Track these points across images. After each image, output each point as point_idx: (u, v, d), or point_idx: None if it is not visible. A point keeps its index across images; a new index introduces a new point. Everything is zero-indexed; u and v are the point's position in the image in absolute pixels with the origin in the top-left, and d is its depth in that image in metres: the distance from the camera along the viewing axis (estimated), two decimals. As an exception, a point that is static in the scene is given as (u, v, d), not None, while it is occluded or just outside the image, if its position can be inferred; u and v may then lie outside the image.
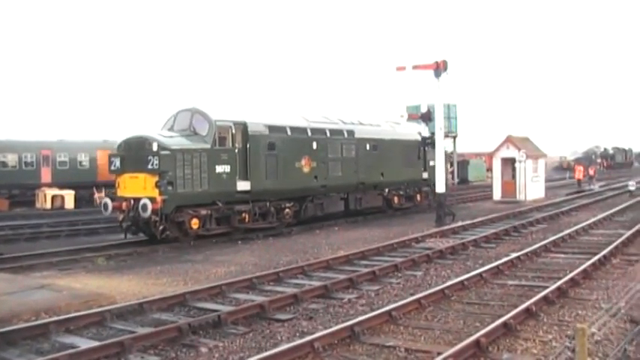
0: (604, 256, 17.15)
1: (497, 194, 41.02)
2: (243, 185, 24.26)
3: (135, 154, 22.51)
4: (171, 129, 23.97)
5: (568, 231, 22.68)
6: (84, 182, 41.43)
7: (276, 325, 11.62)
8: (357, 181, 30.21)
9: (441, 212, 27.86)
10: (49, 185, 41.72)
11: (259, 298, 13.39)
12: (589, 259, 16.59)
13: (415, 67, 27.85)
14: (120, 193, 23.09)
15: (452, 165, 50.32)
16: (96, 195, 41.21)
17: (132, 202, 21.99)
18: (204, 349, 10.17)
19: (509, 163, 40.41)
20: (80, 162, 43.12)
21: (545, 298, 12.50)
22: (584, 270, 15.25)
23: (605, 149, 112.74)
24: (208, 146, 23.06)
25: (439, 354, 9.07)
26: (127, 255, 20.89)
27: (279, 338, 10.71)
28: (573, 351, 7.90)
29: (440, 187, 28.26)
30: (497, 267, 16.20)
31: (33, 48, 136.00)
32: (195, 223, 22.68)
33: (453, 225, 26.00)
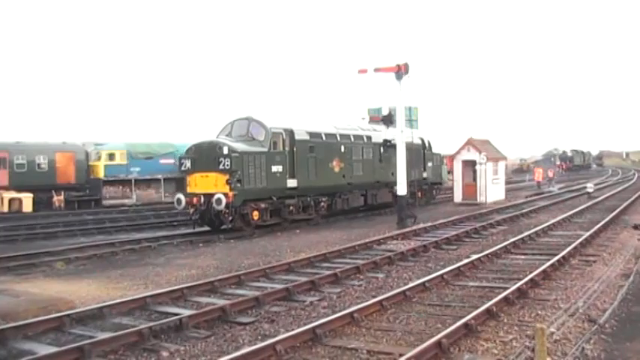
0: (563, 257, 17.34)
1: (458, 196, 41.26)
2: (291, 182, 28.42)
3: (206, 156, 26.14)
4: (229, 135, 27.93)
5: (528, 232, 22.89)
6: (42, 185, 40.93)
7: (238, 328, 11.56)
8: (374, 179, 34.43)
9: (402, 214, 27.95)
10: (6, 188, 40.98)
11: (221, 302, 13.31)
12: (548, 260, 16.75)
13: (377, 70, 27.92)
14: (190, 190, 26.57)
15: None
16: (55, 198, 40.93)
17: (202, 197, 25.59)
18: (165, 354, 10.07)
19: (470, 165, 40.67)
20: (39, 164, 42.50)
21: (505, 298, 12.60)
22: (544, 271, 15.40)
23: (563, 152, 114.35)
24: (266, 150, 27.17)
25: (401, 355, 9.08)
26: (86, 259, 20.65)
27: (241, 341, 10.65)
28: (533, 350, 7.97)
29: (401, 190, 28.33)
30: (458, 268, 16.29)
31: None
32: (256, 215, 26.72)
33: (415, 227, 26.06)
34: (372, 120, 34.58)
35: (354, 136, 33.60)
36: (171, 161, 46.71)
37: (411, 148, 35.40)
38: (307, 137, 29.81)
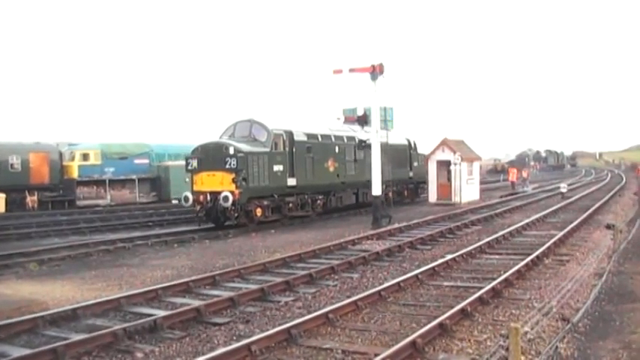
0: (537, 257, 17.47)
1: (432, 196, 41.40)
2: (291, 181, 30.05)
3: (213, 156, 27.59)
4: (232, 136, 29.42)
5: (502, 232, 23.03)
6: (16, 185, 40.43)
7: (213, 329, 11.53)
8: (365, 178, 34.00)
9: (377, 214, 27.99)
10: (-21, 188, 40.56)
11: (196, 302, 13.26)
12: (522, 259, 16.88)
13: (352, 70, 27.92)
14: (197, 188, 27.95)
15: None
16: (28, 198, 40.54)
17: (208, 195, 27.16)
18: (140, 355, 10.02)
19: (444, 165, 40.80)
20: (12, 165, 41.98)
21: (480, 298, 12.66)
22: (518, 270, 15.50)
23: (537, 152, 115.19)
24: (268, 150, 28.68)
25: (376, 355, 9.09)
26: (60, 260, 20.47)
27: (216, 342, 10.63)
28: (507, 350, 8.01)
29: (376, 190, 28.38)
30: (433, 268, 16.34)
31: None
32: (259, 212, 28.25)
33: (390, 227, 26.11)
34: (347, 120, 34.72)
35: (347, 137, 35.26)
36: (146, 161, 46.49)
37: (398, 148, 39.66)
38: (305, 138, 31.37)
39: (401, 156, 40.86)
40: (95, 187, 42.95)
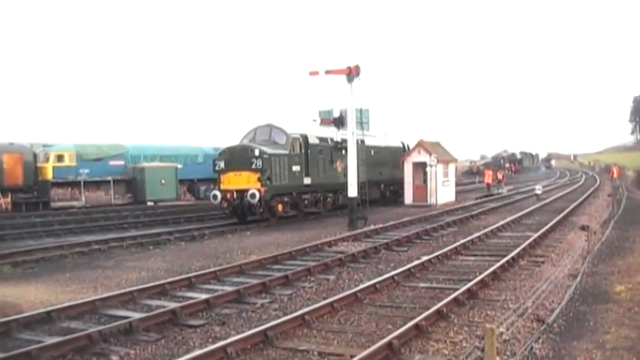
0: (512, 258, 17.57)
1: (408, 198, 41.54)
2: (307, 180, 33.03)
3: (239, 157, 30.28)
4: (252, 140, 32.06)
5: (478, 234, 23.15)
6: (-12, 186, 39.97)
7: (189, 331, 11.48)
8: (366, 178, 36.14)
9: (353, 216, 28.01)
10: (-49, 190, 40.05)
11: (171, 304, 13.20)
12: (498, 261, 16.97)
13: (328, 72, 27.85)
14: (224, 186, 30.50)
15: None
16: (1, 200, 40.10)
17: (235, 193, 29.73)
18: (115, 358, 9.97)
19: (420, 167, 40.96)
20: (-16, 166, 41.52)
21: (455, 299, 12.71)
22: (494, 272, 15.58)
23: (513, 154, 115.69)
24: (287, 152, 31.56)
25: (352, 357, 9.10)
26: (34, 262, 20.29)
27: (192, 344, 10.59)
28: (483, 350, 8.02)
29: (352, 192, 28.40)
30: (409, 270, 16.39)
31: None
32: (280, 207, 31.08)
33: (366, 229, 26.18)
34: (323, 122, 35.03)
35: None
36: (121, 163, 46.12)
37: (393, 150, 44.10)
38: (317, 141, 34.35)
39: (396, 157, 43.81)
40: (70, 189, 42.50)
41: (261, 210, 30.11)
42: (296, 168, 31.98)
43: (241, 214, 30.96)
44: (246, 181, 29.85)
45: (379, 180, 41.16)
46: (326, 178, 34.55)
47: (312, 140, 33.84)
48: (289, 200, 31.87)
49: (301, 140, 32.99)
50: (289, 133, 32.28)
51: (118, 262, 20.12)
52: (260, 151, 29.87)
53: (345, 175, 34.06)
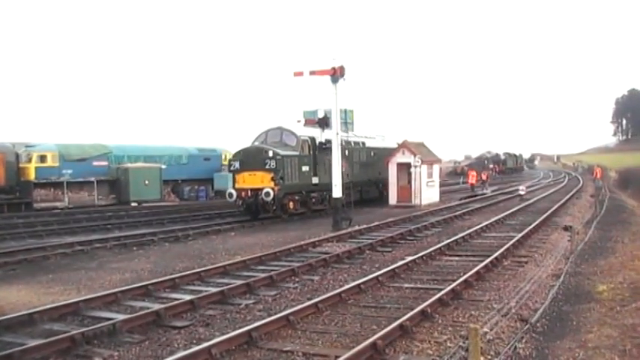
0: (496, 259, 17.63)
1: (393, 199, 41.52)
2: (315, 179, 34.93)
3: (253, 158, 32.54)
4: (264, 142, 34.10)
5: (462, 234, 23.20)
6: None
7: (173, 332, 11.45)
8: (367, 178, 41.42)
9: (337, 217, 27.99)
10: None
11: (155, 306, 13.16)
12: (482, 261, 17.03)
13: (312, 73, 27.78)
14: (239, 185, 32.69)
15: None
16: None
17: (249, 191, 31.94)
18: None
19: (404, 168, 40.96)
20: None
21: (439, 300, 12.74)
22: (477, 272, 15.63)
23: (497, 154, 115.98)
24: (298, 153, 33.55)
25: (337, 357, 9.11)
26: (16, 264, 20.16)
27: (176, 346, 10.55)
28: (467, 350, 8.05)
29: (336, 192, 28.39)
30: (393, 270, 16.41)
31: None
32: (291, 205, 33.32)
33: (350, 229, 26.18)
34: (308, 123, 35.24)
35: (354, 142, 40.61)
36: (105, 163, 45.94)
37: (391, 151, 43.71)
38: (324, 143, 34.97)
39: None
40: (53, 190, 42.28)
41: (274, 207, 32.09)
42: (305, 168, 33.98)
43: (255, 211, 32.95)
44: (260, 181, 32.01)
45: (378, 179, 42.83)
46: (330, 178, 34.62)
47: (319, 141, 35.22)
48: (299, 198, 33.97)
49: (310, 142, 34.86)
50: (299, 136, 34.35)
51: (101, 264, 20.03)
52: (274, 153, 32.14)
53: (348, 175, 36.68)
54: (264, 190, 31.14)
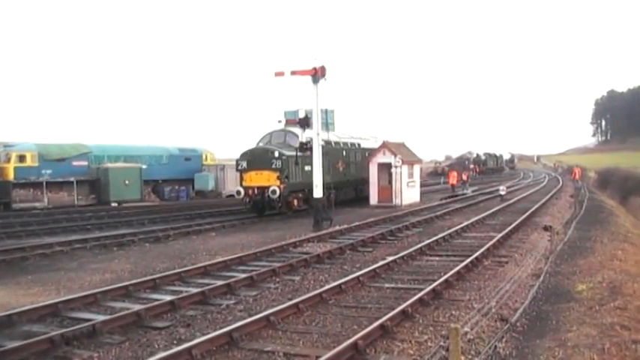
0: (476, 259, 17.71)
1: (373, 199, 41.57)
2: None
3: (260, 158, 34.65)
4: (269, 143, 36.54)
5: (442, 234, 23.26)
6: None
7: (153, 333, 11.40)
8: (361, 177, 43.22)
9: (318, 217, 27.98)
10: None
11: (135, 306, 13.09)
12: (462, 261, 17.09)
13: (293, 73, 27.76)
14: (246, 184, 34.75)
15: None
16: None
17: (256, 189, 34.06)
18: (77, 360, 9.84)
19: (385, 168, 41.01)
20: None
21: (420, 300, 12.77)
22: (458, 272, 15.68)
23: (477, 155, 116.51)
24: (300, 154, 33.03)
25: (318, 357, 9.10)
26: (-6, 265, 19.99)
27: (157, 347, 10.51)
28: (448, 350, 8.06)
29: (317, 193, 28.39)
30: (374, 270, 16.43)
31: None
32: (295, 202, 35.54)
33: (331, 229, 26.20)
34: (289, 123, 35.20)
35: (350, 143, 43.57)
36: (85, 163, 45.70)
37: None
38: (324, 144, 35.16)
39: None
40: (32, 190, 42.02)
41: (280, 204, 34.01)
42: (308, 168, 34.36)
43: (261, 208, 35.03)
44: (266, 179, 33.98)
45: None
46: (331, 177, 36.41)
47: (321, 143, 34.80)
48: (302, 196, 35.69)
49: (311, 143, 33.83)
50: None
51: (81, 264, 19.91)
52: (279, 153, 34.14)
53: (345, 174, 40.49)
54: (271, 188, 33.10)
